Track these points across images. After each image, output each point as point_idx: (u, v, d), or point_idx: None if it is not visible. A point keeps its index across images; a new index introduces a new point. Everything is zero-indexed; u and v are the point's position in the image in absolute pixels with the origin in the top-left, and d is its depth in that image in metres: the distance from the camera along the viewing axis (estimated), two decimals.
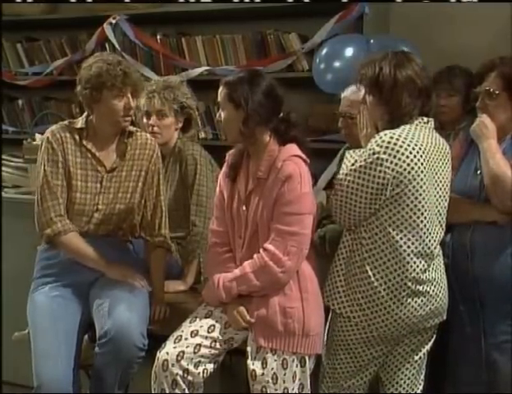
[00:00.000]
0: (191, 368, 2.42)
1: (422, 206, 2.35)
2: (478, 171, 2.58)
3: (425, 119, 2.42)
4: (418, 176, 2.32)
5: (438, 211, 2.42)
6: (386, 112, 2.41)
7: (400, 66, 2.37)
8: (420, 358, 2.52)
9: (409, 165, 2.31)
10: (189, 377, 2.42)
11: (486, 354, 2.56)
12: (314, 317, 2.44)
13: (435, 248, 2.41)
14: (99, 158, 2.70)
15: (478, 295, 2.55)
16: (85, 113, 2.74)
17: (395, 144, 2.31)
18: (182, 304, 2.88)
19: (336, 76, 3.52)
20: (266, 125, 2.45)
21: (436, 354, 2.60)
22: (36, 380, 2.47)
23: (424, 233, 2.36)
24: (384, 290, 2.36)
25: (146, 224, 2.80)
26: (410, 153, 2.31)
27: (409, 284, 2.35)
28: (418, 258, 2.36)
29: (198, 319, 2.53)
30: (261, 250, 2.42)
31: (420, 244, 2.36)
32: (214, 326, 2.50)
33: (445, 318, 2.50)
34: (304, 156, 2.44)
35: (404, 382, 2.53)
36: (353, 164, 2.37)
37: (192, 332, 2.48)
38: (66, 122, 2.76)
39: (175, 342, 2.46)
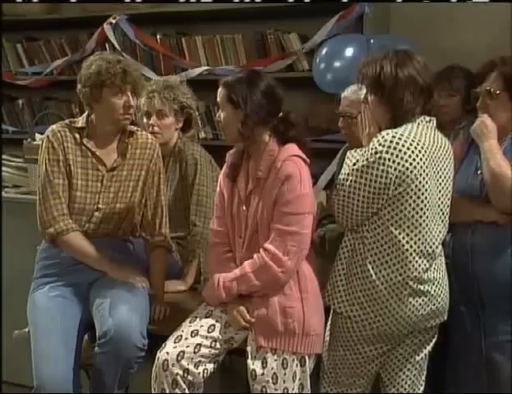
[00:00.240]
0: (191, 367, 2.42)
1: (425, 205, 2.35)
2: (479, 171, 2.58)
3: (427, 118, 2.41)
4: (421, 175, 2.32)
5: (441, 210, 2.42)
6: (388, 110, 2.40)
7: (402, 65, 2.37)
8: (422, 359, 2.52)
9: (411, 164, 2.31)
10: (190, 377, 2.42)
11: (487, 353, 2.55)
12: (314, 316, 2.45)
13: (437, 247, 2.40)
14: (100, 157, 2.70)
15: (478, 294, 2.55)
16: (86, 112, 2.74)
17: (397, 143, 2.31)
18: (182, 304, 2.88)
19: (335, 76, 3.52)
20: (265, 125, 2.45)
21: (436, 353, 2.60)
22: (36, 380, 2.46)
23: (426, 232, 2.36)
24: (385, 288, 2.36)
25: (146, 224, 2.81)
26: (412, 152, 2.31)
27: (411, 283, 2.35)
28: (420, 257, 2.36)
29: (198, 319, 2.53)
30: (261, 250, 2.42)
31: (422, 243, 2.36)
32: (214, 326, 2.50)
33: (445, 318, 2.50)
34: (303, 156, 2.44)
35: (406, 383, 2.53)
36: (355, 164, 2.37)
37: (192, 332, 2.48)
38: (66, 121, 2.76)
39: (175, 342, 2.46)
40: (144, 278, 2.70)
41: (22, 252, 3.29)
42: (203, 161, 3.10)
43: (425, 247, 2.36)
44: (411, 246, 2.35)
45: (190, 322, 2.53)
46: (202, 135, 4.16)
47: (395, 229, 2.34)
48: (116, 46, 4.31)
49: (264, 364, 2.40)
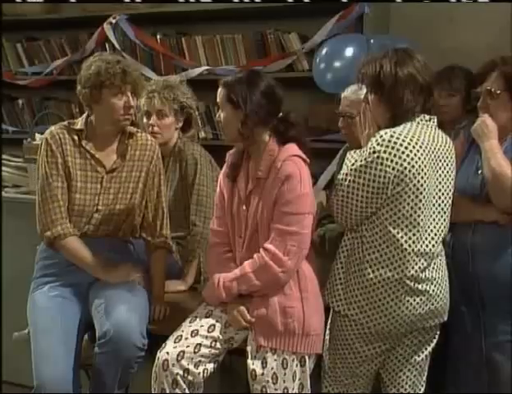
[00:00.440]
0: (191, 367, 2.42)
1: (423, 204, 2.34)
2: (479, 171, 2.58)
3: (427, 117, 2.41)
4: (419, 174, 2.32)
5: (442, 209, 2.41)
6: (388, 109, 2.40)
7: (401, 64, 2.37)
8: (422, 359, 2.52)
9: (409, 163, 2.31)
10: (190, 377, 2.42)
11: (487, 353, 2.55)
12: (314, 316, 2.44)
13: (435, 247, 2.40)
14: (99, 159, 2.70)
15: (479, 294, 2.55)
16: (85, 114, 2.74)
17: (395, 142, 2.30)
18: (182, 304, 2.88)
19: (335, 76, 3.52)
20: (265, 125, 2.45)
21: (436, 354, 2.60)
22: (36, 380, 2.46)
23: (426, 231, 2.36)
24: (382, 286, 2.35)
25: (147, 225, 2.80)
26: (411, 151, 2.31)
27: (408, 282, 2.35)
28: (417, 256, 2.36)
29: (198, 319, 2.53)
30: (261, 250, 2.42)
31: (420, 242, 2.36)
32: (214, 325, 2.50)
33: (445, 319, 2.49)
34: (303, 156, 2.44)
35: (406, 383, 2.52)
36: (353, 164, 2.37)
37: (192, 332, 2.48)
38: (65, 123, 2.75)
39: (175, 342, 2.46)
40: (138, 274, 2.70)
41: (22, 252, 3.29)
42: (203, 161, 3.10)
43: (422, 246, 2.36)
44: (409, 245, 2.34)
45: (190, 322, 2.53)
46: (202, 135, 4.16)
47: (394, 228, 2.34)
48: (116, 46, 4.32)
49: (264, 364, 2.40)
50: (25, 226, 2.96)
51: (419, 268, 2.36)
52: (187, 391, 2.42)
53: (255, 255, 2.43)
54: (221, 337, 2.49)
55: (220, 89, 2.48)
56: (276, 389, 2.39)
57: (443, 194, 2.41)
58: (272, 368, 2.39)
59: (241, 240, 2.51)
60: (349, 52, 3.53)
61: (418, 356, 2.50)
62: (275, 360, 2.40)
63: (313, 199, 2.46)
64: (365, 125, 2.49)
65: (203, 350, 2.45)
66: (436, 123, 2.44)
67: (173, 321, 2.63)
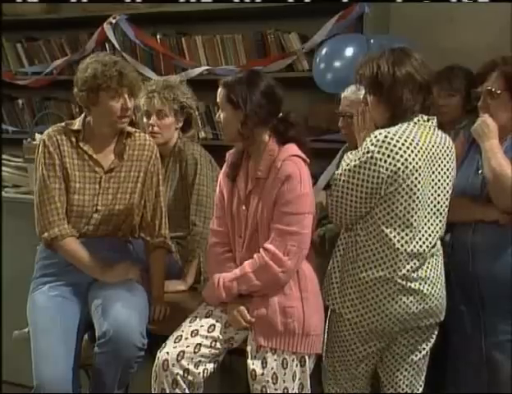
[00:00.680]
0: (191, 367, 2.42)
1: (416, 205, 2.34)
2: (480, 171, 2.58)
3: (425, 117, 2.41)
4: (413, 174, 2.32)
5: (437, 210, 2.41)
6: (387, 109, 2.40)
7: (399, 63, 2.37)
8: (419, 359, 2.51)
9: (403, 164, 2.30)
10: (190, 377, 2.42)
11: (487, 353, 2.55)
12: (314, 316, 2.45)
13: (429, 247, 2.39)
14: (96, 159, 2.70)
15: (479, 294, 2.55)
16: (82, 115, 2.74)
17: (389, 142, 2.31)
18: (182, 304, 2.88)
19: (335, 76, 3.52)
20: (265, 125, 2.45)
21: (436, 353, 2.60)
22: (36, 380, 2.46)
23: (419, 232, 2.36)
24: (374, 285, 2.36)
25: (146, 225, 2.80)
26: (405, 151, 2.31)
27: (399, 281, 2.35)
28: (409, 256, 2.36)
29: (198, 319, 2.53)
30: (261, 250, 2.43)
31: (413, 243, 2.36)
32: (214, 325, 2.50)
33: (442, 319, 2.49)
34: (303, 156, 2.44)
35: (403, 383, 2.52)
36: (348, 164, 2.37)
37: (192, 332, 2.48)
38: (62, 124, 2.75)
39: (175, 342, 2.46)
40: (137, 271, 2.70)
41: (22, 252, 3.29)
42: (203, 161, 3.10)
43: (415, 247, 2.36)
44: (402, 245, 2.34)
45: (190, 322, 2.53)
46: (202, 135, 4.16)
47: (387, 228, 2.35)
48: (116, 46, 4.31)
49: (264, 364, 2.40)
50: (25, 226, 2.96)
51: (411, 267, 2.36)
52: (187, 391, 2.42)
53: (255, 255, 2.44)
54: (221, 337, 2.49)
55: (220, 89, 2.48)
56: (276, 389, 2.39)
57: (439, 195, 2.41)
58: (272, 368, 2.40)
59: (241, 240, 2.51)
60: (349, 52, 3.53)
61: (415, 356, 2.50)
62: (275, 360, 2.40)
63: (312, 199, 2.46)
64: (363, 125, 2.50)
65: (203, 350, 2.45)
66: (435, 123, 2.44)
67: (173, 321, 2.63)
